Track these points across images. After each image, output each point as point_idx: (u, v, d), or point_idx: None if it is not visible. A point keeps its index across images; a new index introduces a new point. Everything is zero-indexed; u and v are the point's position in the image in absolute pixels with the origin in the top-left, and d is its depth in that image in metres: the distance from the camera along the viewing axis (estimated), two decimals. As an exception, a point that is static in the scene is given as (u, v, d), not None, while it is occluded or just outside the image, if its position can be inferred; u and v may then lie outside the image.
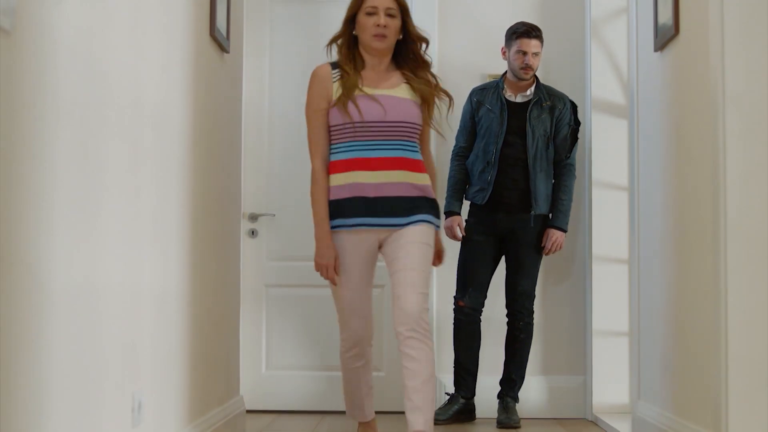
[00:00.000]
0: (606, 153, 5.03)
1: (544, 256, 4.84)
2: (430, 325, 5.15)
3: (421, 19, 5.09)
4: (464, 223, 4.79)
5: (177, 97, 3.32)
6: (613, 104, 5.06)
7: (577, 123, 4.79)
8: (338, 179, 3.50)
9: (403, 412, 3.42)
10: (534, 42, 4.69)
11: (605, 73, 5.08)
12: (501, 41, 4.86)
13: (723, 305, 3.19)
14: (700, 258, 3.46)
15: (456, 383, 4.84)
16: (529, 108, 4.70)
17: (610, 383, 4.96)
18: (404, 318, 3.36)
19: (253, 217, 5.23)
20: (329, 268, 3.50)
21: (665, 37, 3.87)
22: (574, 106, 4.79)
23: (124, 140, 2.72)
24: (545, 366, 5.12)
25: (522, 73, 4.71)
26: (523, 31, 4.70)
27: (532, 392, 5.07)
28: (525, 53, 4.69)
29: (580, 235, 5.13)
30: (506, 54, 4.77)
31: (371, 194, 3.46)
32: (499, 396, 4.81)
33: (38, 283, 2.13)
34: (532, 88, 4.76)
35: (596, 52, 5.09)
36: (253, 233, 5.23)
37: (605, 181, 5.03)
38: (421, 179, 3.53)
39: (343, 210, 3.48)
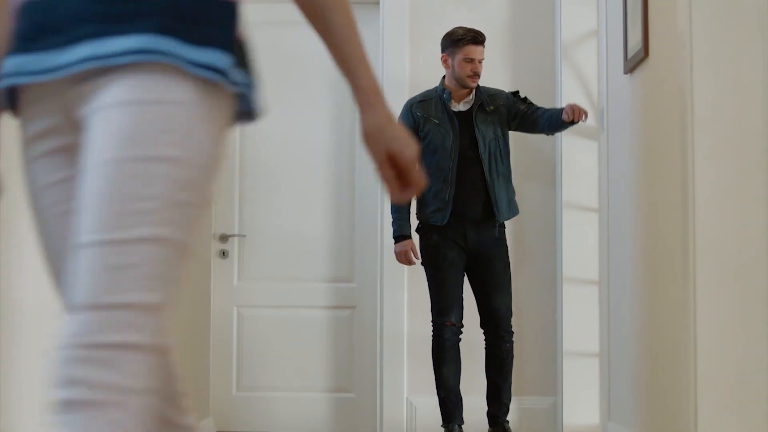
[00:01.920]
0: (576, 174, 5.05)
1: (513, 271, 4.70)
2: (401, 345, 5.17)
3: (392, 36, 5.13)
4: (416, 247, 4.53)
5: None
6: (583, 126, 5.08)
7: (524, 98, 4.59)
8: None
9: None
10: (481, 48, 4.49)
11: (575, 94, 5.10)
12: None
13: (692, 326, 3.20)
14: (669, 279, 3.47)
15: (449, 413, 4.45)
16: (474, 114, 4.49)
17: (581, 404, 4.96)
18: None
19: (224, 238, 5.20)
20: None
21: (635, 59, 3.90)
22: (513, 93, 4.62)
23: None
24: (516, 387, 5.11)
25: (469, 81, 4.48)
26: (470, 38, 4.46)
27: (503, 413, 5.06)
28: (472, 60, 4.47)
29: (551, 256, 5.14)
30: (448, 62, 4.52)
31: None
32: (494, 423, 4.54)
33: (6, 301, 2.10)
34: (473, 93, 4.54)
35: (567, 74, 5.11)
36: (223, 254, 5.20)
37: (575, 203, 5.04)
38: None
39: None
